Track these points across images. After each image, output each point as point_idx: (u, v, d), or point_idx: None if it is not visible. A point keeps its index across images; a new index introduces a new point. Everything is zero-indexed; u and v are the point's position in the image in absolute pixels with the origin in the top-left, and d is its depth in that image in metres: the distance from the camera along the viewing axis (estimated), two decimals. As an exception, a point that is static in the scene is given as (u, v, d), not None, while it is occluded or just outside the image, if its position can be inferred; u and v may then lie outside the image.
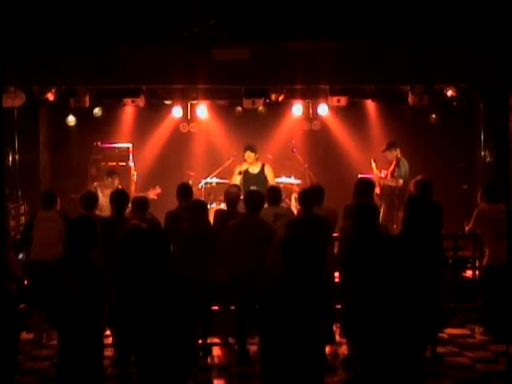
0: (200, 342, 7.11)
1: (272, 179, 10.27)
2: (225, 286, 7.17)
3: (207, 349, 7.27)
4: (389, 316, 4.44)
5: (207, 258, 7.11)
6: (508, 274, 7.12)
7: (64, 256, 4.97)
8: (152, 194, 9.94)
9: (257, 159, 10.34)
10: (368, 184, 7.78)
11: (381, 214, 10.16)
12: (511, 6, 7.75)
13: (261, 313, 4.58)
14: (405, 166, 10.20)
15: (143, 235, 4.83)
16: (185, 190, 7.96)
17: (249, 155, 10.24)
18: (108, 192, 9.45)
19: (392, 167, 10.32)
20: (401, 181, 10.05)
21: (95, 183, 10.30)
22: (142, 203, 7.60)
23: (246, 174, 10.26)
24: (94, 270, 4.81)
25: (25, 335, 8.00)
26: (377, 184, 10.50)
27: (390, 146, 10.41)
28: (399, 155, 10.35)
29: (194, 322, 4.63)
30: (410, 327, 4.46)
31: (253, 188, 9.63)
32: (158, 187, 10.19)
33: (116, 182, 10.05)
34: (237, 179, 10.25)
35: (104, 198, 9.12)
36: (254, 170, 10.30)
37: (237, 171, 10.33)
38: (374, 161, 10.59)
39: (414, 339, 4.51)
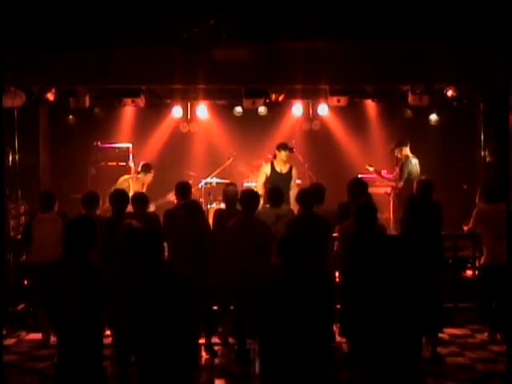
0: (204, 341, 7.16)
1: (295, 182, 10.03)
2: (223, 286, 7.16)
3: (213, 350, 7.31)
4: (388, 315, 4.44)
5: (202, 259, 7.11)
6: (507, 274, 7.14)
7: (63, 256, 4.96)
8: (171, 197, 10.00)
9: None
10: (362, 184, 7.79)
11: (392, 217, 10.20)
12: (511, 5, 7.76)
13: (259, 313, 4.57)
14: (408, 166, 10.16)
15: (135, 234, 4.84)
16: (183, 189, 7.92)
17: (286, 155, 9.92)
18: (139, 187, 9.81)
19: (398, 168, 10.34)
20: (401, 182, 10.03)
21: (127, 176, 10.38)
22: (141, 199, 7.62)
23: (273, 172, 9.96)
24: (93, 271, 4.80)
25: (33, 335, 8.03)
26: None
27: (398, 145, 10.38)
28: (409, 154, 10.30)
29: (193, 318, 4.63)
30: (408, 327, 4.47)
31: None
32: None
33: (150, 177, 10.26)
34: (263, 177, 9.98)
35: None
36: (283, 169, 9.97)
37: (263, 173, 10.03)
38: (370, 165, 10.61)
39: (412, 338, 4.52)
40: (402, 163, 10.18)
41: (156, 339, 4.45)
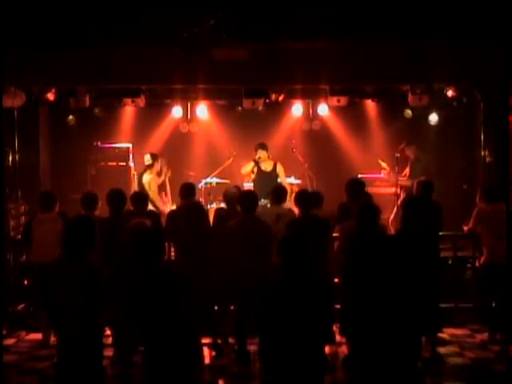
0: (210, 341, 7.20)
1: (283, 177, 10.33)
2: (223, 286, 7.16)
3: (220, 347, 7.35)
4: (387, 316, 4.44)
5: (203, 259, 7.10)
6: (507, 274, 7.14)
7: (62, 257, 4.96)
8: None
9: (268, 157, 10.37)
10: (360, 184, 7.80)
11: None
12: (511, 5, 7.77)
13: (260, 313, 4.57)
14: (418, 165, 10.25)
15: (141, 234, 4.85)
16: (185, 190, 7.93)
17: (261, 153, 10.25)
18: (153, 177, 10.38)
19: (408, 167, 10.41)
20: (411, 181, 10.08)
21: (148, 179, 10.56)
22: (140, 199, 7.63)
23: (259, 171, 10.26)
24: (93, 271, 4.80)
25: (33, 336, 8.02)
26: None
27: (408, 144, 10.47)
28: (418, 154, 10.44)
29: (193, 318, 4.63)
30: (408, 326, 4.47)
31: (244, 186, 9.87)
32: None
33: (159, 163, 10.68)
34: (250, 166, 10.29)
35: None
36: (267, 167, 10.28)
37: (249, 164, 10.36)
38: (383, 161, 10.66)
39: (412, 338, 4.52)
40: (412, 162, 10.29)
41: (156, 339, 4.46)
